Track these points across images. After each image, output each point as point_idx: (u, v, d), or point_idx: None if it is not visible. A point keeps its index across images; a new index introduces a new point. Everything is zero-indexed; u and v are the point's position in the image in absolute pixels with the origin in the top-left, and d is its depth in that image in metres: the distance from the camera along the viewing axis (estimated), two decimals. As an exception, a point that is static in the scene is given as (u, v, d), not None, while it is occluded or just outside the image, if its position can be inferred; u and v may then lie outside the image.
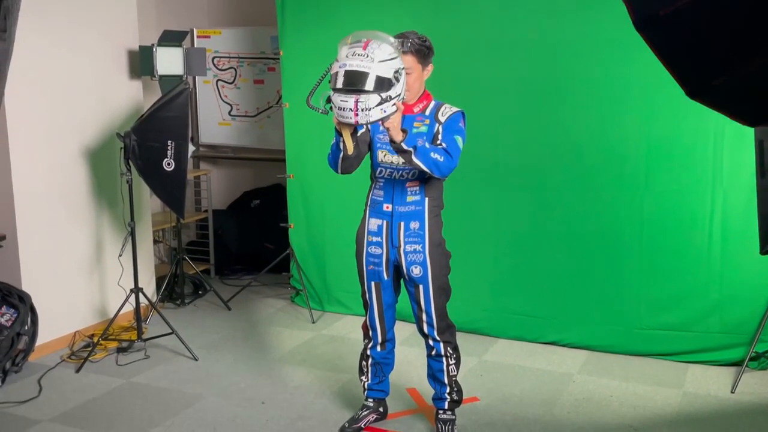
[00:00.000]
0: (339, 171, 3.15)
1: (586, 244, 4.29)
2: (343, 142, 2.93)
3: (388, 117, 2.80)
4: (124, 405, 3.77)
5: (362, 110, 2.73)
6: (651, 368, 4.09)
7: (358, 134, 3.02)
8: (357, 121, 2.77)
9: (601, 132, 4.18)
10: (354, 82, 2.72)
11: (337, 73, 2.77)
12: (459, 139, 3.04)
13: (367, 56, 2.74)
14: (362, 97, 2.73)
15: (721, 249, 4.01)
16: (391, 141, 2.90)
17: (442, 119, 3.08)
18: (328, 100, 2.80)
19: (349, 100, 2.73)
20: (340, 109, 2.77)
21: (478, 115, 4.20)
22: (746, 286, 3.97)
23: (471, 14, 4.40)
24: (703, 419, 3.53)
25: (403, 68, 2.85)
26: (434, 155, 2.93)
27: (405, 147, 2.88)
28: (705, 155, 3.98)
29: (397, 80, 2.79)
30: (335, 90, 2.77)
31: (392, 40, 2.85)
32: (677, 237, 4.09)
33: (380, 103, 2.75)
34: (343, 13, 4.76)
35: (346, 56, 2.77)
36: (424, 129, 3.09)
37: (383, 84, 2.74)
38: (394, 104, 2.80)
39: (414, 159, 2.91)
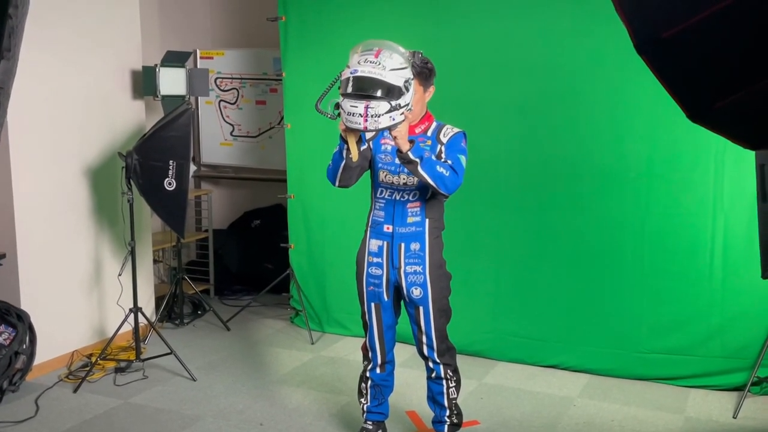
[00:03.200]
0: (337, 183, 3.10)
1: (587, 267, 4.28)
2: (348, 149, 2.92)
3: (396, 125, 2.80)
4: (121, 426, 3.73)
5: (371, 116, 2.73)
6: (652, 392, 4.06)
7: (362, 149, 3.01)
8: (365, 127, 2.75)
9: (602, 154, 4.19)
10: (365, 88, 2.73)
11: (348, 78, 2.77)
12: (462, 158, 3.04)
13: (379, 64, 2.74)
14: (372, 104, 2.73)
15: (722, 273, 3.99)
16: (398, 152, 2.90)
17: (444, 140, 3.09)
18: (337, 106, 2.80)
19: (359, 106, 2.73)
20: (349, 114, 2.76)
21: (480, 136, 4.21)
22: (748, 311, 3.95)
23: (472, 37, 4.43)
24: (705, 444, 3.50)
25: (412, 79, 2.86)
26: (440, 169, 2.92)
27: (412, 157, 2.87)
28: (706, 178, 3.98)
29: (407, 90, 2.80)
30: (345, 95, 2.77)
31: (403, 50, 2.85)
32: (678, 260, 4.08)
33: (389, 111, 2.75)
34: (345, 36, 4.79)
35: (358, 63, 2.77)
36: (426, 148, 3.10)
37: (393, 92, 2.75)
38: (403, 113, 2.79)
39: (420, 170, 2.89)
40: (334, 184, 3.12)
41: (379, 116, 2.73)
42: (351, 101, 2.75)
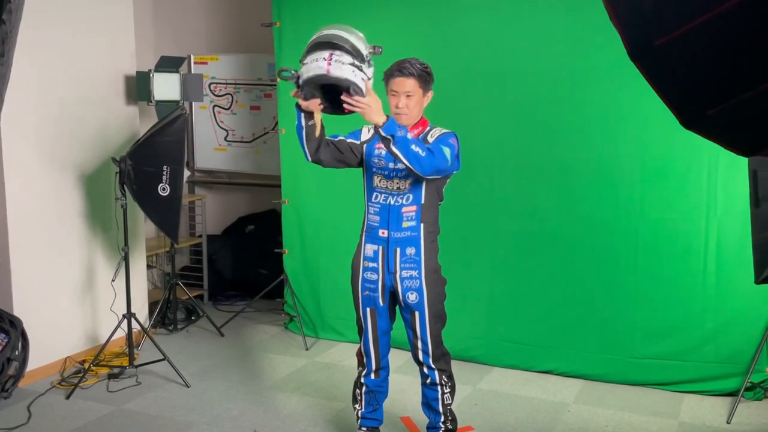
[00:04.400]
0: (308, 156, 3.06)
1: (581, 273, 4.28)
2: (305, 118, 2.88)
3: (358, 86, 2.71)
4: (114, 432, 3.72)
5: (336, 61, 2.66)
6: (646, 398, 4.06)
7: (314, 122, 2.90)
8: (329, 71, 2.65)
9: (595, 159, 4.20)
10: (329, 39, 2.70)
11: (313, 40, 2.76)
12: (446, 149, 2.98)
13: (347, 29, 2.78)
14: (337, 52, 2.68)
15: (715, 278, 4.01)
16: (375, 128, 2.85)
17: (431, 140, 3.08)
18: (298, 81, 2.75)
19: (324, 53, 2.68)
20: (312, 61, 2.68)
21: (474, 142, 4.22)
22: (741, 316, 3.97)
23: (467, 43, 4.44)
24: (699, 450, 3.50)
25: (371, 66, 2.80)
26: (415, 148, 2.85)
27: (383, 134, 2.83)
28: (699, 184, 4.00)
29: (369, 65, 2.77)
30: (308, 51, 2.72)
31: (370, 46, 2.82)
32: (672, 265, 4.09)
33: (353, 66, 2.69)
34: (340, 41, 4.80)
35: (325, 28, 2.79)
36: None
37: (359, 54, 2.72)
38: (363, 79, 2.73)
39: (392, 147, 2.84)
40: (308, 159, 3.08)
41: (343, 64, 2.67)
42: (315, 53, 2.70)
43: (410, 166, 2.90)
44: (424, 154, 2.88)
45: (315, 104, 2.83)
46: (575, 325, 4.32)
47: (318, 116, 2.89)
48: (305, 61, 2.74)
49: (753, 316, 3.94)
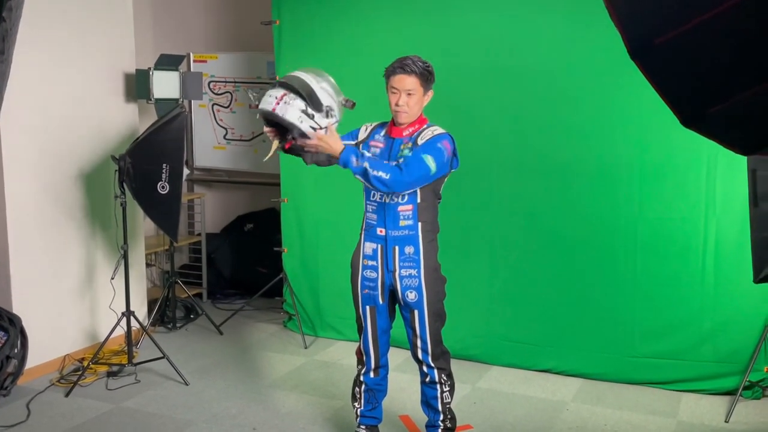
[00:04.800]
0: (306, 162, 3.21)
1: (580, 272, 4.29)
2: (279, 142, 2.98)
3: (301, 132, 2.84)
4: (113, 430, 3.72)
5: (284, 102, 2.83)
6: (645, 397, 4.07)
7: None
8: (274, 108, 2.82)
9: (594, 159, 4.21)
10: (290, 82, 2.86)
11: (282, 78, 2.95)
12: (428, 158, 2.98)
13: (315, 77, 2.90)
14: (291, 95, 2.84)
15: (714, 277, 4.01)
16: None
17: (420, 142, 3.07)
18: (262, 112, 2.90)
19: (279, 92, 2.86)
20: (268, 96, 2.87)
21: (473, 141, 4.23)
22: (740, 315, 3.97)
23: (465, 41, 4.44)
24: (697, 449, 3.51)
25: (336, 120, 2.94)
26: (377, 172, 2.90)
27: (340, 165, 2.94)
28: (698, 183, 4.00)
29: (328, 116, 2.89)
30: (272, 86, 2.91)
31: (343, 98, 2.99)
32: (671, 265, 4.10)
33: (302, 112, 2.84)
34: (339, 40, 4.80)
35: (302, 72, 2.94)
36: (407, 153, 3.10)
37: (314, 101, 2.85)
38: (312, 127, 2.85)
39: (355, 176, 2.95)
40: (306, 163, 3.22)
41: (289, 106, 2.82)
42: (274, 89, 2.89)
43: (378, 190, 2.97)
44: (388, 176, 2.91)
45: (268, 131, 2.97)
46: (574, 324, 4.32)
47: (274, 145, 2.99)
48: (267, 92, 2.91)
49: (751, 315, 3.94)
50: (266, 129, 2.96)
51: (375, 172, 2.90)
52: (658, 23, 1.19)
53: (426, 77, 3.08)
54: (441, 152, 3.02)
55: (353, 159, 2.93)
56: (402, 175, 2.93)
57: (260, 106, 2.89)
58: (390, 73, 3.10)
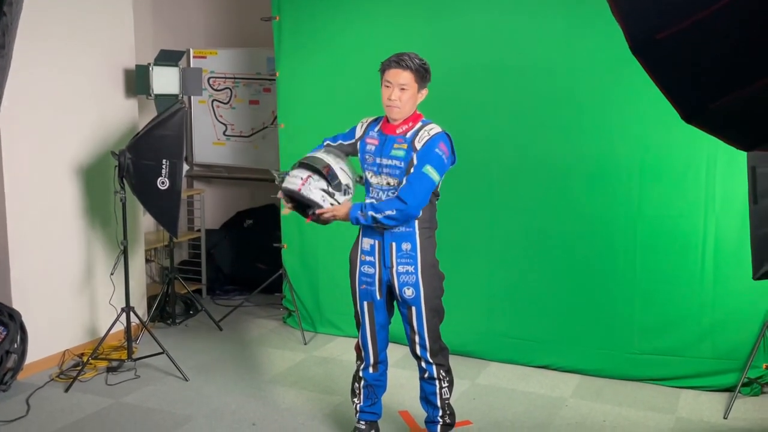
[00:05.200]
0: None
1: (579, 268, 4.29)
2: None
3: (322, 208, 3.10)
4: (113, 425, 3.72)
5: (308, 184, 3.09)
6: (644, 393, 4.08)
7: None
8: (299, 189, 3.10)
9: (594, 156, 4.21)
10: (314, 162, 3.11)
11: (308, 155, 3.20)
12: (428, 169, 3.02)
13: (334, 159, 3.16)
14: (315, 176, 3.10)
15: (713, 274, 4.02)
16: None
17: (419, 145, 3.06)
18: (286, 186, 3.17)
19: (304, 173, 3.12)
20: (293, 177, 3.13)
21: (471, 139, 4.22)
22: (739, 312, 3.98)
23: (466, 38, 4.44)
24: (696, 445, 3.52)
25: (351, 194, 3.17)
26: (386, 213, 3.03)
27: (352, 223, 3.10)
28: (698, 181, 4.00)
29: (345, 194, 3.14)
30: (296, 166, 3.16)
31: (357, 175, 3.24)
32: (670, 262, 4.10)
33: (324, 191, 3.10)
34: (339, 36, 4.80)
35: (323, 153, 3.21)
36: (401, 153, 3.09)
37: (335, 181, 3.10)
38: (332, 203, 3.12)
39: (367, 225, 3.11)
40: None
41: (312, 189, 3.09)
42: (299, 170, 3.14)
43: (398, 225, 3.08)
44: (395, 212, 3.02)
45: (290, 208, 3.23)
46: (573, 320, 4.33)
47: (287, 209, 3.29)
48: (290, 173, 3.16)
49: (750, 312, 3.95)
50: (288, 206, 3.22)
51: (382, 215, 3.03)
52: (659, 19, 1.19)
53: (421, 74, 3.07)
54: (440, 158, 3.04)
55: (359, 214, 3.08)
56: (407, 200, 3.02)
57: (284, 186, 3.14)
58: (385, 66, 3.10)
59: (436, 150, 3.03)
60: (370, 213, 3.04)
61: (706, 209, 3.99)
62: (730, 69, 1.17)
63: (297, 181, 3.10)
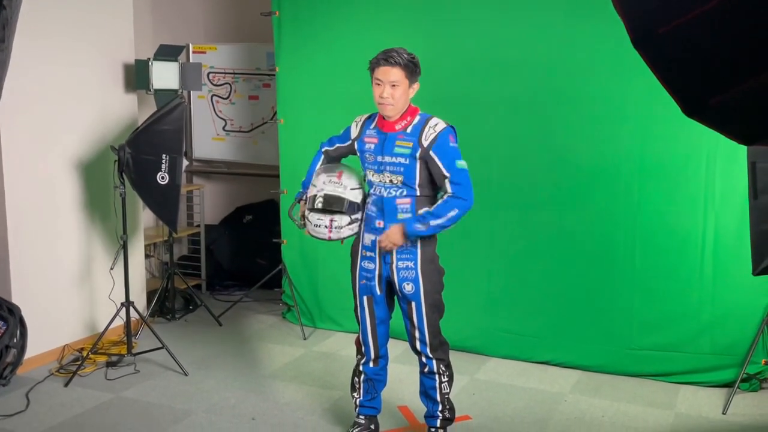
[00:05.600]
0: None
1: (579, 264, 4.29)
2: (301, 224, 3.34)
3: (354, 234, 3.24)
4: (112, 420, 3.73)
5: (335, 228, 3.17)
6: (643, 389, 4.08)
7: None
8: (330, 237, 3.19)
9: (594, 151, 4.21)
10: (330, 204, 3.15)
11: (315, 196, 3.19)
12: (459, 163, 3.06)
13: (341, 184, 3.18)
14: (336, 217, 3.16)
15: (713, 270, 4.02)
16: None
17: (426, 143, 3.05)
18: (302, 217, 3.28)
19: (325, 219, 3.17)
20: (315, 225, 3.20)
21: (472, 133, 4.21)
22: (738, 307, 3.98)
23: (465, 33, 4.43)
24: (694, 440, 3.52)
25: (364, 194, 3.23)
26: (448, 216, 3.05)
27: (415, 237, 3.10)
28: (698, 176, 4.00)
29: (364, 205, 3.22)
30: (312, 210, 3.20)
31: (359, 172, 3.28)
32: (670, 257, 4.10)
33: (350, 223, 3.19)
34: (338, 31, 4.79)
35: (323, 183, 3.20)
36: (406, 150, 3.08)
37: (353, 207, 3.17)
38: (359, 224, 3.22)
39: (435, 233, 3.13)
40: None
41: (341, 228, 3.18)
42: (318, 215, 3.19)
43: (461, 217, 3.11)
44: (457, 211, 3.05)
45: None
46: (573, 316, 4.33)
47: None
48: (310, 218, 3.22)
49: (749, 307, 3.95)
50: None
51: (445, 218, 3.05)
52: (661, 13, 1.19)
53: (411, 69, 3.06)
54: (456, 150, 3.09)
55: (419, 227, 3.06)
56: (464, 196, 3.06)
57: (313, 235, 3.24)
58: (374, 64, 3.08)
59: (451, 145, 3.08)
60: (432, 222, 3.05)
61: (706, 205, 4.00)
62: (732, 63, 1.17)
63: (324, 230, 3.19)
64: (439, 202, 3.07)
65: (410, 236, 3.07)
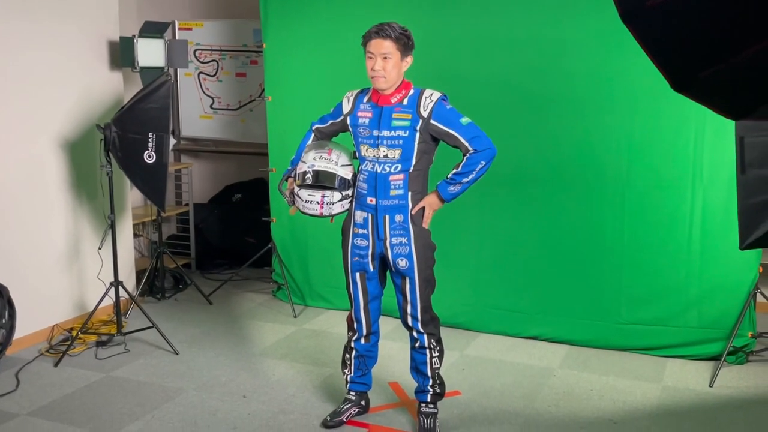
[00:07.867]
0: None
1: (568, 240, 4.31)
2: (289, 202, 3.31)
3: (345, 211, 3.23)
4: (103, 399, 3.73)
5: (327, 204, 3.17)
6: (631, 362, 4.12)
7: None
8: (321, 213, 3.19)
9: (582, 129, 4.20)
10: (322, 180, 3.14)
11: (305, 172, 3.17)
12: (464, 120, 3.09)
13: (332, 160, 3.17)
14: (327, 193, 3.16)
15: (700, 245, 4.05)
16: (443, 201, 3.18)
17: (425, 112, 3.06)
18: (291, 193, 3.24)
19: (317, 195, 3.16)
20: (306, 201, 3.18)
21: (462, 111, 4.19)
22: (725, 282, 4.02)
23: (455, 10, 4.40)
24: (681, 413, 3.57)
25: (353, 171, 3.20)
26: (477, 171, 3.07)
27: (450, 200, 3.15)
28: (685, 152, 4.01)
29: (355, 180, 3.20)
30: (302, 186, 3.18)
31: (349, 150, 3.25)
32: (658, 233, 4.12)
33: (341, 200, 3.18)
34: (326, 7, 4.74)
35: (313, 159, 3.18)
36: (405, 123, 3.08)
37: (344, 184, 3.17)
38: (350, 201, 3.21)
39: (466, 189, 3.15)
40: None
41: (333, 204, 3.18)
42: (309, 191, 3.17)
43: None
44: (484, 164, 3.07)
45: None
46: (561, 291, 4.35)
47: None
48: (299, 194, 3.19)
49: (736, 282, 3.99)
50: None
51: (474, 174, 3.07)
52: (650, -14, 1.18)
53: (403, 42, 3.06)
54: (455, 110, 3.12)
55: (451, 189, 3.12)
56: (484, 146, 3.06)
57: (305, 211, 3.21)
58: (366, 38, 3.09)
59: (448, 107, 3.10)
60: (464, 180, 3.09)
61: (694, 179, 4.01)
62: (721, 37, 1.17)
63: (315, 206, 3.17)
64: (463, 160, 3.09)
65: (447, 200, 3.15)
